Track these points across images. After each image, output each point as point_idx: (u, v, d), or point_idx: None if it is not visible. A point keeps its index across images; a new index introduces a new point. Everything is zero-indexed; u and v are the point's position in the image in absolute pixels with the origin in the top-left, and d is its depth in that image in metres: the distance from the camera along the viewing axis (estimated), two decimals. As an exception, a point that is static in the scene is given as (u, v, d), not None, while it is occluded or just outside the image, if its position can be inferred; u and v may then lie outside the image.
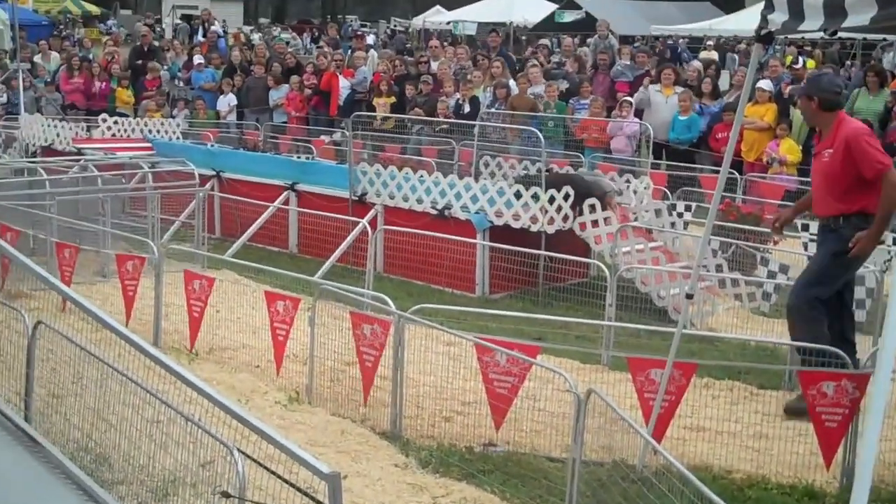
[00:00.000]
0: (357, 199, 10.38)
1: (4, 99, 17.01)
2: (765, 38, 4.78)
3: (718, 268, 9.08)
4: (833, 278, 6.18)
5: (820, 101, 6.23)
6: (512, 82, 14.05)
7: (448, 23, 32.86)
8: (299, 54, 22.61)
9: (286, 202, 10.99)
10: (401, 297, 8.96)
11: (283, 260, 10.52)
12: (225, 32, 26.11)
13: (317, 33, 35.62)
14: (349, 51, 18.41)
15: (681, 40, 24.45)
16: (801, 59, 19.25)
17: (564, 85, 14.58)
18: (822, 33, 4.65)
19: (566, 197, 9.24)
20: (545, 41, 21.87)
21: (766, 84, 13.28)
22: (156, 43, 20.51)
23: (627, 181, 10.19)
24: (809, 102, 6.30)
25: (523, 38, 28.64)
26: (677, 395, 5.32)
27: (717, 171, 6.28)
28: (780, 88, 13.50)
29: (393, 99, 15.15)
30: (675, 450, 5.54)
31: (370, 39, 28.36)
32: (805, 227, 9.28)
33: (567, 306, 8.50)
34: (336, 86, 15.79)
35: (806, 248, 9.14)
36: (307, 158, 13.12)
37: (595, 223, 9.12)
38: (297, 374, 6.65)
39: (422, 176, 10.05)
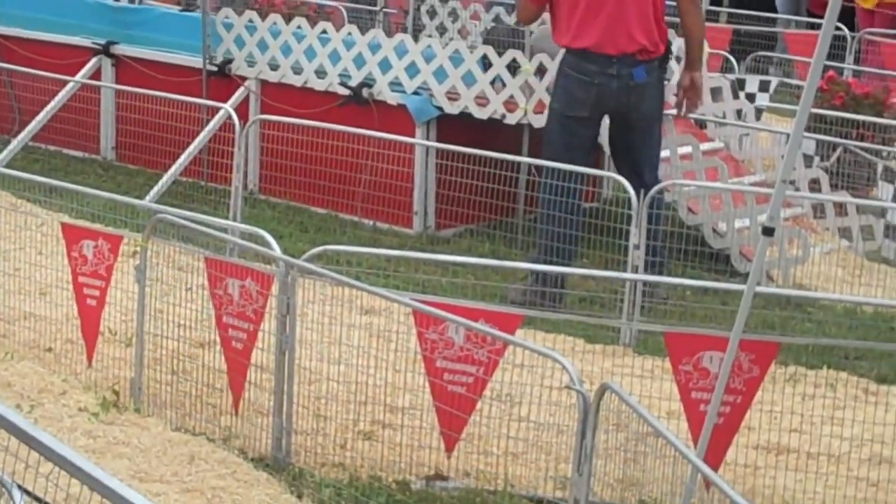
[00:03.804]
0: (216, 69, 10.36)
1: None
2: None
3: (814, 185, 9.14)
4: None
5: None
6: None
7: None
8: None
9: (96, 75, 10.93)
10: (289, 234, 8.99)
11: (91, 172, 10.48)
12: None
13: None
14: None
15: None
16: None
17: None
18: None
19: (565, 67, 9.23)
20: None
21: None
22: None
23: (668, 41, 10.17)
24: None
25: None
26: (746, 394, 5.35)
27: (815, 26, 6.30)
28: None
29: None
30: (740, 484, 5.61)
31: None
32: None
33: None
34: None
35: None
36: (131, 1, 12.94)
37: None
38: (117, 362, 6.64)
39: (324, 31, 10.01)
